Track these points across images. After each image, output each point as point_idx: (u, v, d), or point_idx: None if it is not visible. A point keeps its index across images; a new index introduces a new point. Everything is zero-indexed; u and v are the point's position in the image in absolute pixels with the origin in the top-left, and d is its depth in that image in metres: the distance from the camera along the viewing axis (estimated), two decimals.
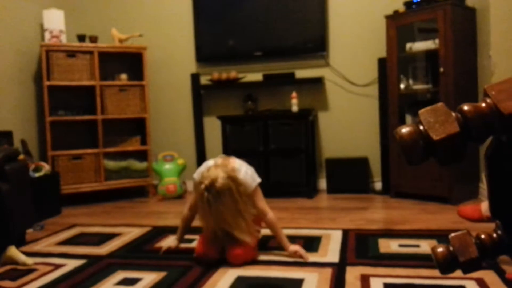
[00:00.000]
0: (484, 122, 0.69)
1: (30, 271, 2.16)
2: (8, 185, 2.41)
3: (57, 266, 2.22)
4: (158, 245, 2.52)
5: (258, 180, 2.22)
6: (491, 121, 0.69)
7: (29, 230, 2.86)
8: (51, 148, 3.70)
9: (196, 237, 2.39)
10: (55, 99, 3.80)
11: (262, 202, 2.22)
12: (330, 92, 3.99)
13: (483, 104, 0.70)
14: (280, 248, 2.31)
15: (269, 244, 2.42)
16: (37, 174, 3.32)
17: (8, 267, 2.23)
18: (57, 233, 2.88)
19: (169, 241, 2.40)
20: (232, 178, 2.05)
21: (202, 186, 2.02)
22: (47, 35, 3.81)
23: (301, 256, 2.15)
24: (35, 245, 2.62)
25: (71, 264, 2.24)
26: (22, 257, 2.26)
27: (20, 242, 2.59)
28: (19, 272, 2.15)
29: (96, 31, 4.17)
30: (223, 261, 2.15)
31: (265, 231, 2.48)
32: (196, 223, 2.60)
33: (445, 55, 3.17)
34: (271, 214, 2.20)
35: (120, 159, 3.98)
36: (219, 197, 1.99)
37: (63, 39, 3.87)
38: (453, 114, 0.70)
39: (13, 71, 3.70)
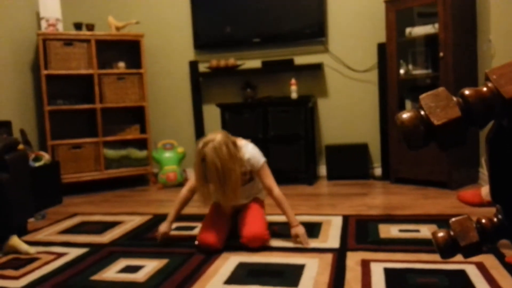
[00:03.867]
0: (486, 107, 0.68)
1: (33, 260, 2.18)
2: (8, 175, 2.41)
3: (59, 255, 2.23)
4: (157, 234, 2.53)
5: (264, 158, 2.26)
6: (492, 106, 0.68)
7: (31, 220, 2.87)
8: (50, 138, 3.69)
9: (198, 224, 2.40)
10: (53, 88, 3.78)
11: (269, 179, 2.25)
12: (329, 78, 3.97)
13: (485, 89, 0.69)
14: (281, 234, 2.32)
15: (270, 230, 2.43)
16: (37, 164, 3.32)
17: (10, 256, 2.24)
18: (58, 222, 2.89)
19: (161, 228, 2.32)
20: (231, 140, 2.09)
21: (201, 143, 2.04)
22: (43, 24, 3.77)
23: (300, 242, 2.16)
24: (37, 234, 2.64)
25: (73, 253, 2.25)
26: (24, 246, 2.27)
27: (22, 232, 2.60)
28: (22, 261, 2.16)
29: (92, 19, 4.13)
30: (224, 248, 2.17)
31: (270, 218, 2.49)
32: (196, 210, 2.60)
33: (444, 39, 3.15)
34: (277, 190, 2.23)
35: (119, 148, 3.98)
36: (216, 152, 1.98)
37: (60, 27, 3.83)
38: (454, 98, 0.69)
39: (10, 60, 3.67)
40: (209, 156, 1.99)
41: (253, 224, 2.17)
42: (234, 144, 2.11)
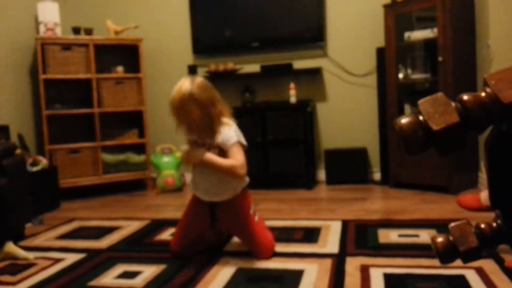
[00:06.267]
0: (484, 112, 0.68)
1: (30, 265, 2.16)
2: (6, 180, 2.40)
3: (57, 260, 2.22)
4: (157, 238, 2.52)
5: (243, 141, 2.07)
6: (491, 111, 0.68)
7: (28, 225, 2.86)
8: (48, 142, 3.68)
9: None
10: (51, 93, 3.77)
11: (238, 155, 1.99)
12: (328, 83, 3.97)
13: (483, 94, 0.69)
14: (280, 239, 2.30)
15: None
16: (34, 169, 3.31)
17: (8, 262, 2.23)
18: (56, 227, 2.88)
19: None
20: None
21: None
22: (41, 28, 3.77)
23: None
24: (35, 239, 2.62)
25: (71, 258, 2.24)
26: (21, 252, 2.26)
27: (19, 237, 2.59)
28: (19, 267, 2.15)
29: (91, 23, 4.13)
30: (223, 254, 2.16)
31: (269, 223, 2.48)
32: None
33: (443, 44, 3.16)
34: (240, 169, 1.98)
35: (118, 153, 3.97)
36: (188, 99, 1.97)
37: (58, 31, 3.83)
38: (453, 104, 0.69)
39: (8, 65, 3.67)
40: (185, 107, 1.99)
41: (260, 239, 2.09)
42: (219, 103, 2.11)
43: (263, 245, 2.09)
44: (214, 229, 2.25)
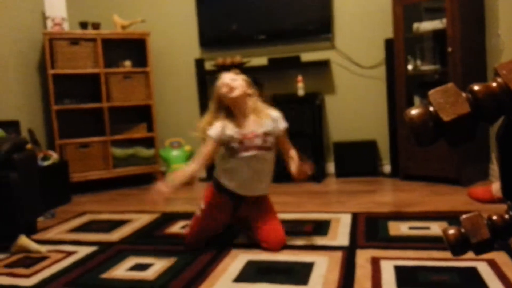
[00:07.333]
0: (495, 102, 0.68)
1: (43, 258, 2.19)
2: (17, 174, 2.43)
3: (69, 253, 2.25)
4: (168, 231, 2.54)
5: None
6: (502, 101, 0.67)
7: (40, 218, 2.89)
8: (58, 137, 3.71)
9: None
10: (60, 88, 3.79)
11: (289, 144, 2.39)
12: (336, 75, 3.95)
13: (494, 84, 0.68)
14: (290, 232, 2.30)
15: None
16: (45, 163, 3.34)
17: (21, 255, 2.26)
18: (68, 220, 2.91)
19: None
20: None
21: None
22: (49, 23, 3.79)
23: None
24: (47, 233, 2.66)
25: (83, 251, 2.27)
26: (34, 246, 2.29)
27: (31, 230, 2.62)
28: (32, 260, 2.18)
29: (98, 18, 4.14)
30: (233, 246, 2.17)
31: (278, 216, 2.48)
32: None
33: (453, 34, 3.12)
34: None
35: (127, 147, 3.99)
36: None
37: (66, 26, 3.85)
38: (464, 94, 0.69)
39: (17, 60, 3.69)
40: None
41: (275, 230, 2.14)
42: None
43: (280, 239, 2.12)
44: (231, 223, 2.31)
